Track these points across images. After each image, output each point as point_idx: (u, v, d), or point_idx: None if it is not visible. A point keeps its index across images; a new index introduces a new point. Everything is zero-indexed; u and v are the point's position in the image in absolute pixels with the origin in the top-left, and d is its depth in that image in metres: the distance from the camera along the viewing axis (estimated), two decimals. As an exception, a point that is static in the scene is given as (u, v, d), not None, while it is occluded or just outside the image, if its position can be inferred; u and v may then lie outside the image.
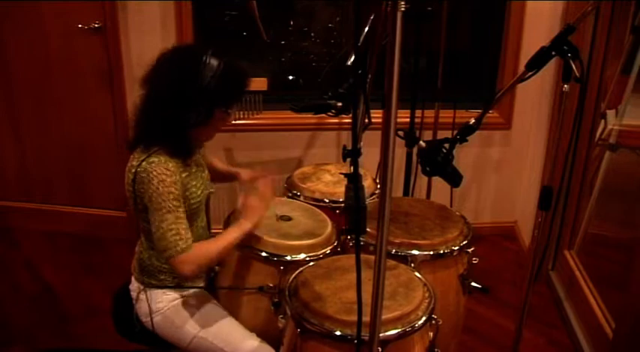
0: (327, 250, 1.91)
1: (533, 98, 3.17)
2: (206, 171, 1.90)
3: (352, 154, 1.27)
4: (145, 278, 1.82)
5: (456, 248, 1.95)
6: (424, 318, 1.60)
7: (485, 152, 3.30)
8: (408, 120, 2.65)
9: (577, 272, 2.67)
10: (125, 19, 2.91)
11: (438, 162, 1.87)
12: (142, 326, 1.84)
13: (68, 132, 3.18)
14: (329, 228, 1.99)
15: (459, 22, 3.33)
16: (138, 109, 1.73)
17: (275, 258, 1.84)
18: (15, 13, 2.98)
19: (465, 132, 1.89)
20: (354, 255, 1.34)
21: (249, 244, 1.87)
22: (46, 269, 2.99)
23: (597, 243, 2.71)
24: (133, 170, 1.67)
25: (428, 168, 1.91)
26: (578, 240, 2.79)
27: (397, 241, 1.92)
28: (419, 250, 1.91)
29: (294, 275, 1.74)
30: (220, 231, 1.99)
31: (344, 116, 2.32)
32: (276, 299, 1.81)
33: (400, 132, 2.22)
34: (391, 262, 1.78)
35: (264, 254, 1.85)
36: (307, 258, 1.85)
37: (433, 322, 1.63)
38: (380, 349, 1.44)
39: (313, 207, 2.15)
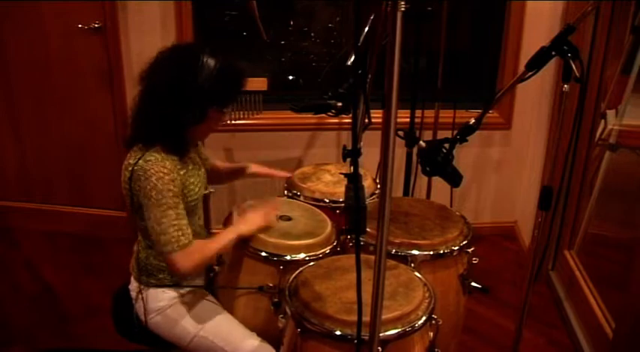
0: (327, 250, 1.91)
1: (533, 98, 3.17)
2: (203, 170, 1.90)
3: (352, 154, 1.27)
4: (143, 278, 1.82)
5: (456, 248, 1.95)
6: (424, 318, 1.60)
7: (485, 152, 3.30)
8: (408, 120, 2.65)
9: (577, 272, 2.67)
10: (125, 19, 2.91)
11: (438, 162, 1.87)
12: (142, 326, 1.84)
13: (68, 132, 3.18)
14: (329, 228, 1.99)
15: (459, 22, 3.33)
16: (135, 107, 1.74)
17: (275, 258, 1.84)
18: (15, 13, 2.98)
19: (465, 132, 1.89)
20: (354, 255, 1.34)
21: (249, 244, 1.87)
22: (46, 269, 2.99)
23: (597, 243, 2.71)
24: (130, 168, 1.67)
25: (428, 168, 1.91)
26: (578, 240, 2.79)
27: (397, 241, 1.92)
28: (419, 250, 1.91)
29: (294, 275, 1.74)
30: (220, 231, 2.00)
31: (344, 116, 2.32)
32: (275, 299, 1.81)
33: (400, 132, 2.22)
34: (391, 262, 1.78)
35: (264, 254, 1.85)
36: (307, 258, 1.85)
37: (433, 322, 1.63)
38: (380, 349, 1.44)
39: (313, 207, 2.15)
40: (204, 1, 3.03)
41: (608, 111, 2.60)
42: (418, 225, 2.03)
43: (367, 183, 2.32)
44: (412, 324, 1.56)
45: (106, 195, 3.25)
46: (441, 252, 1.92)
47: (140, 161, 1.65)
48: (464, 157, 3.20)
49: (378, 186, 2.37)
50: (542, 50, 1.74)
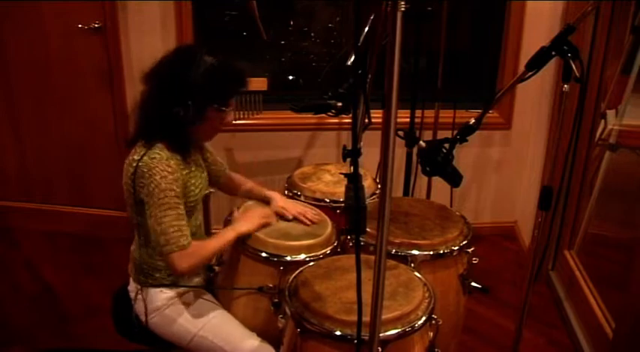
0: (327, 250, 1.91)
1: (533, 98, 3.17)
2: (205, 173, 1.91)
3: (352, 154, 1.27)
4: (141, 278, 1.82)
5: (456, 248, 1.95)
6: (424, 318, 1.60)
7: (485, 152, 3.30)
8: (408, 120, 2.65)
9: (577, 272, 2.67)
10: (125, 19, 2.91)
11: (438, 162, 1.87)
12: (141, 326, 1.84)
13: (68, 132, 3.18)
14: (329, 228, 1.99)
15: (459, 22, 3.33)
16: (137, 106, 1.75)
17: (275, 259, 1.84)
18: (15, 13, 2.98)
19: (465, 132, 1.89)
20: (354, 255, 1.34)
21: (249, 244, 1.87)
22: (46, 269, 2.99)
23: (597, 243, 2.71)
24: (134, 163, 1.67)
25: (428, 168, 1.91)
26: (578, 240, 2.79)
27: (397, 241, 1.92)
28: (419, 250, 1.91)
29: (294, 275, 1.74)
30: (220, 230, 2.00)
31: (344, 116, 2.32)
32: (275, 300, 1.81)
33: (400, 132, 2.22)
34: (391, 262, 1.78)
35: (263, 254, 1.85)
36: (307, 259, 1.85)
37: (433, 322, 1.63)
38: (380, 349, 1.44)
39: (313, 207, 2.15)
40: (204, 1, 3.03)
41: (608, 111, 2.60)
42: (418, 225, 2.03)
43: (367, 183, 2.32)
44: (412, 324, 1.56)
45: (106, 195, 3.25)
46: (441, 252, 1.92)
47: (145, 157, 1.66)
48: (464, 157, 3.20)
49: (378, 186, 2.37)
50: (542, 50, 1.74)
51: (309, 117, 2.78)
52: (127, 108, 3.03)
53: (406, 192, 2.81)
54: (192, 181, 1.78)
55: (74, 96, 3.11)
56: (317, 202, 2.22)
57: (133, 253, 1.87)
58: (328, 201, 2.23)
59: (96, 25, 2.92)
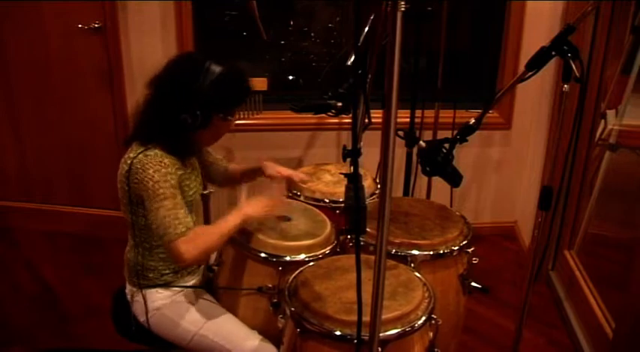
0: (327, 250, 1.91)
1: (533, 98, 3.17)
2: (200, 177, 1.91)
3: (352, 154, 1.26)
4: (135, 279, 1.82)
5: (456, 248, 1.95)
6: (424, 318, 1.59)
7: (485, 152, 3.30)
8: (408, 120, 2.65)
9: (577, 272, 2.67)
10: (125, 19, 2.91)
11: (438, 162, 1.87)
12: (140, 326, 1.84)
13: (68, 132, 3.18)
14: (328, 228, 1.99)
15: (459, 22, 3.33)
16: (139, 109, 1.75)
17: (274, 259, 1.84)
18: (15, 13, 2.98)
19: (465, 132, 1.89)
20: (354, 255, 1.34)
21: (248, 244, 1.87)
22: (46, 269, 2.99)
23: (597, 243, 2.71)
24: (129, 161, 1.68)
25: (428, 168, 1.91)
26: (578, 240, 2.79)
27: (397, 241, 1.92)
28: (419, 250, 1.91)
29: (293, 275, 1.74)
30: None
31: (344, 116, 2.32)
32: (275, 300, 1.81)
33: (400, 132, 2.22)
34: (391, 262, 1.78)
35: (263, 254, 1.84)
36: (306, 259, 1.85)
37: (433, 322, 1.63)
38: (380, 349, 1.44)
39: (312, 207, 2.15)
40: (204, 1, 3.03)
41: (608, 111, 2.60)
42: (418, 225, 2.03)
43: (367, 183, 2.32)
44: (412, 324, 1.56)
45: (106, 195, 3.25)
46: (441, 252, 1.92)
47: (140, 155, 1.66)
48: (464, 157, 3.20)
49: (378, 186, 2.37)
50: (542, 50, 1.74)
51: (309, 117, 2.78)
52: (127, 108, 3.03)
53: (406, 192, 2.81)
54: (187, 183, 1.78)
55: (74, 96, 3.11)
56: (317, 202, 2.22)
57: (126, 254, 1.87)
58: (328, 201, 2.23)
59: (96, 25, 2.92)
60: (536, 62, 1.75)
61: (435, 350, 1.64)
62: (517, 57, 3.10)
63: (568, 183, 2.64)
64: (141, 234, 1.76)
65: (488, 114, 1.93)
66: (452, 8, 2.89)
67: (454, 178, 1.90)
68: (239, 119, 2.70)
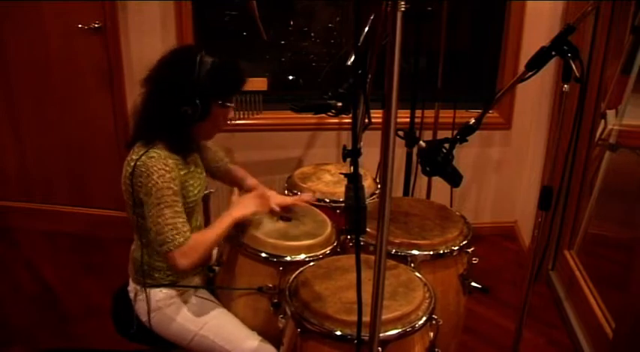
0: (327, 250, 1.91)
1: (533, 98, 3.17)
2: (204, 173, 1.91)
3: (352, 154, 1.26)
4: (140, 278, 1.82)
5: (456, 248, 1.95)
6: (424, 318, 1.59)
7: (485, 152, 3.30)
8: (408, 120, 2.65)
9: (577, 272, 2.67)
10: (125, 19, 2.91)
11: (438, 162, 1.87)
12: (141, 326, 1.84)
13: (68, 132, 3.18)
14: (328, 228, 1.99)
15: (459, 22, 3.33)
16: (137, 109, 1.76)
17: (274, 259, 1.84)
18: (15, 13, 2.98)
19: (465, 132, 1.89)
20: (354, 255, 1.34)
21: (248, 244, 1.87)
22: (46, 269, 2.99)
23: (597, 243, 2.71)
24: (132, 163, 1.67)
25: (428, 168, 1.91)
26: (578, 240, 2.79)
27: (397, 241, 1.92)
28: (419, 250, 1.91)
29: (294, 275, 1.74)
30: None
31: (344, 116, 2.32)
32: (275, 300, 1.81)
33: (400, 132, 2.22)
34: (391, 262, 1.78)
35: (263, 254, 1.84)
36: (307, 259, 1.85)
37: (433, 322, 1.63)
38: (380, 349, 1.44)
39: (313, 207, 2.15)
40: (204, 1, 3.03)
41: (608, 111, 2.60)
42: (418, 225, 2.03)
43: (367, 183, 2.32)
44: (412, 324, 1.56)
45: (106, 195, 3.25)
46: (441, 252, 1.92)
47: (143, 157, 1.66)
48: (464, 157, 3.20)
49: (378, 186, 2.37)
50: (542, 50, 1.74)
51: (309, 117, 2.78)
52: (127, 108, 3.03)
53: (406, 192, 2.81)
54: (191, 182, 1.78)
55: (74, 96, 3.11)
56: (317, 202, 2.22)
57: (132, 253, 1.87)
58: (328, 201, 2.23)
59: (96, 25, 2.93)
60: (536, 62, 1.75)
61: (436, 350, 1.64)
62: (517, 57, 3.10)
63: (568, 183, 2.64)
64: (148, 236, 1.76)
65: (488, 114, 1.93)
66: (452, 8, 2.89)
67: (454, 178, 1.90)
68: (239, 119, 2.72)
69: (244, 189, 2.13)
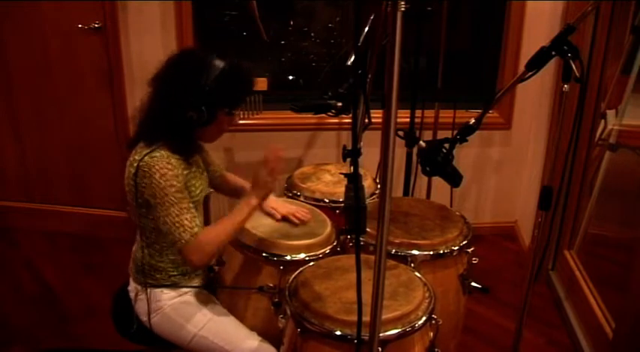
0: (327, 250, 1.91)
1: (533, 98, 3.17)
2: (205, 174, 1.91)
3: (352, 154, 1.27)
4: (141, 278, 1.82)
5: (456, 248, 1.95)
6: (424, 318, 1.60)
7: (485, 152, 3.30)
8: (408, 120, 2.65)
9: (577, 272, 2.67)
10: (125, 19, 2.91)
11: (438, 162, 1.87)
12: (141, 326, 1.84)
13: (68, 132, 3.18)
14: (329, 228, 1.99)
15: (459, 22, 3.33)
16: (142, 109, 1.75)
17: (275, 258, 1.84)
18: (15, 13, 2.98)
19: (465, 132, 1.89)
20: (354, 255, 1.34)
21: (249, 244, 1.87)
22: (46, 269, 2.99)
23: (597, 243, 2.71)
24: (135, 163, 1.67)
25: (428, 168, 1.91)
26: (578, 240, 2.79)
27: (397, 241, 1.92)
28: (419, 250, 1.91)
29: (294, 275, 1.74)
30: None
31: (344, 116, 2.32)
32: (276, 299, 1.81)
33: (400, 132, 2.22)
34: (391, 262, 1.78)
35: (264, 254, 1.85)
36: (307, 258, 1.85)
37: (433, 322, 1.63)
38: (380, 349, 1.44)
39: (313, 207, 2.15)
40: (204, 1, 3.03)
41: (608, 111, 2.60)
42: (418, 225, 2.03)
43: (367, 183, 2.32)
44: (412, 324, 1.56)
45: (106, 195, 3.25)
46: (441, 252, 1.92)
47: (146, 157, 1.66)
48: (464, 157, 3.20)
49: (378, 186, 2.37)
50: (542, 50, 1.74)
51: (309, 117, 2.78)
52: (127, 108, 3.03)
53: (406, 192, 2.81)
54: (193, 182, 1.78)
55: (74, 96, 3.11)
56: (317, 202, 2.22)
57: (134, 253, 1.87)
58: (328, 201, 2.23)
59: (96, 25, 2.92)
60: (536, 62, 1.75)
61: (435, 350, 1.64)
62: (517, 57, 3.10)
63: (568, 183, 2.64)
64: (151, 236, 1.76)
65: (488, 114, 1.93)
66: (452, 8, 2.90)
67: (454, 178, 1.90)
68: (239, 119, 2.71)
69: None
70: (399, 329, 1.54)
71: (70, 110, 3.14)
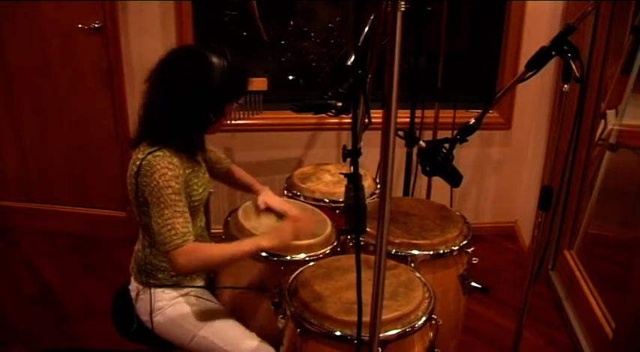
0: (327, 250, 1.91)
1: (533, 98, 3.17)
2: (206, 173, 1.91)
3: (352, 154, 1.27)
4: (143, 278, 1.82)
5: (456, 248, 1.95)
6: (424, 318, 1.59)
7: (485, 152, 3.30)
8: (408, 120, 2.65)
9: (577, 272, 2.67)
10: (125, 19, 2.91)
11: (438, 162, 1.87)
12: (141, 326, 1.84)
13: (68, 132, 3.18)
14: (329, 228, 1.99)
15: (459, 22, 3.33)
16: (145, 110, 1.74)
17: (275, 258, 1.84)
18: (15, 13, 2.98)
19: (465, 132, 1.89)
20: (354, 255, 1.34)
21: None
22: (46, 269, 2.99)
23: (597, 243, 2.71)
24: (138, 162, 1.67)
25: (428, 168, 1.91)
26: (578, 240, 2.79)
27: (397, 241, 1.92)
28: (419, 250, 1.91)
29: (294, 276, 1.74)
30: (220, 231, 2.00)
31: (344, 116, 2.32)
32: (275, 299, 1.81)
33: (400, 132, 2.22)
34: (391, 262, 1.78)
35: (264, 254, 1.84)
36: (307, 258, 1.85)
37: (433, 322, 1.63)
38: (380, 349, 1.44)
39: (313, 207, 2.15)
40: (204, 1, 3.03)
41: (608, 111, 2.60)
42: (418, 225, 2.03)
43: (367, 183, 2.32)
44: (412, 324, 1.56)
45: (106, 195, 3.25)
46: (441, 252, 1.92)
47: (149, 156, 1.65)
48: (464, 157, 3.20)
49: (378, 186, 2.37)
50: (542, 50, 1.74)
51: (309, 117, 2.78)
52: (127, 108, 3.03)
53: (406, 192, 2.81)
54: (195, 180, 1.78)
55: (74, 96, 3.11)
56: (317, 202, 2.22)
57: (137, 253, 1.86)
58: (328, 201, 2.23)
59: (96, 25, 2.92)
60: (536, 62, 1.75)
61: (435, 350, 1.64)
62: (517, 57, 3.10)
63: (568, 183, 2.64)
64: (153, 235, 1.76)
65: (488, 114, 1.93)
66: (452, 8, 2.89)
67: (454, 178, 1.90)
68: (239, 119, 2.72)
69: (234, 186, 2.15)
70: (399, 330, 1.54)
71: (70, 110, 3.14)
